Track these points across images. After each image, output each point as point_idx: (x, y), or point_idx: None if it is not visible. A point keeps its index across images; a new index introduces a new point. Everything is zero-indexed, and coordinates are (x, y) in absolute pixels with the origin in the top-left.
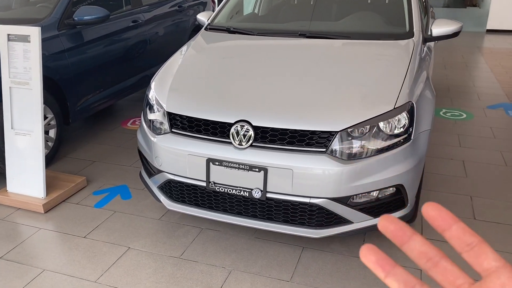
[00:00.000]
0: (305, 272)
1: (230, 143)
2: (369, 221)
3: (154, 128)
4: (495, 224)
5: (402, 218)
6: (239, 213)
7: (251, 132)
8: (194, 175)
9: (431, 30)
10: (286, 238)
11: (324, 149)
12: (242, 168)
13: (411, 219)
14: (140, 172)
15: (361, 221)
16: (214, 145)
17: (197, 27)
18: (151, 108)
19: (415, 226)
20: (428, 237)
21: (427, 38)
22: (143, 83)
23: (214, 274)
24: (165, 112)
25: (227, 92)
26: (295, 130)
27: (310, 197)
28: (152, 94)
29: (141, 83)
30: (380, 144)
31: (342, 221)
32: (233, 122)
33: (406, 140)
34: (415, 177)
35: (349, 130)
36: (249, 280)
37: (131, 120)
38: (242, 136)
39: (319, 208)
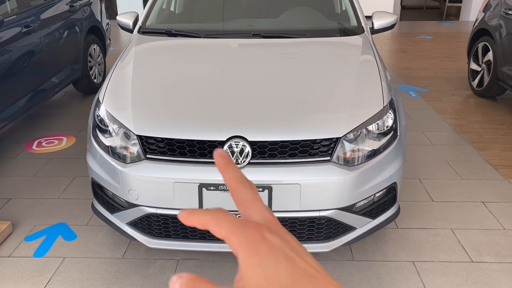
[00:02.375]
0: None
1: None
2: (370, 224)
3: (117, 155)
4: (452, 203)
5: (394, 215)
6: None
7: (248, 149)
8: (182, 205)
9: (372, 23)
10: None
11: (328, 158)
12: None
13: None
14: (93, 206)
15: (363, 225)
16: (205, 168)
17: (92, 29)
18: (104, 131)
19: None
20: (404, 227)
21: (371, 31)
22: (43, 98)
23: None
24: (135, 136)
25: (210, 105)
26: (297, 141)
27: (319, 210)
28: (104, 114)
29: (41, 99)
30: (376, 144)
31: (347, 229)
32: (225, 139)
33: (394, 137)
34: (403, 173)
35: (349, 134)
36: None
37: (36, 142)
38: (238, 154)
39: (328, 220)
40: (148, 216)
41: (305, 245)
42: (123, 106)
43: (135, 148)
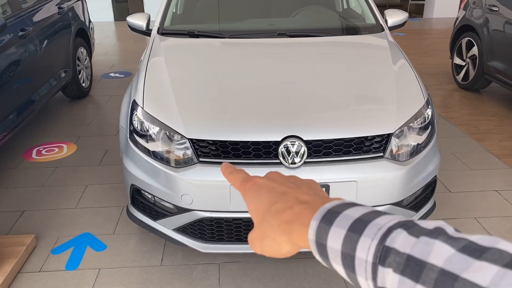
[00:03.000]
0: None
1: (279, 163)
2: (414, 217)
3: (160, 159)
4: (469, 193)
5: (432, 207)
6: None
7: (304, 148)
8: (239, 207)
9: (386, 21)
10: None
11: (381, 154)
12: None
13: None
14: (130, 214)
15: None
16: (260, 168)
17: (79, 31)
18: (144, 135)
19: None
20: (431, 218)
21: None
22: (39, 105)
23: None
24: (186, 140)
25: (260, 106)
26: (350, 138)
27: (373, 206)
28: (144, 118)
29: (36, 106)
30: (420, 139)
31: None
32: (280, 139)
33: (433, 131)
34: (439, 165)
35: (399, 130)
36: None
37: (35, 150)
38: (294, 154)
39: None
40: (201, 221)
41: None
42: (167, 109)
43: (180, 152)
